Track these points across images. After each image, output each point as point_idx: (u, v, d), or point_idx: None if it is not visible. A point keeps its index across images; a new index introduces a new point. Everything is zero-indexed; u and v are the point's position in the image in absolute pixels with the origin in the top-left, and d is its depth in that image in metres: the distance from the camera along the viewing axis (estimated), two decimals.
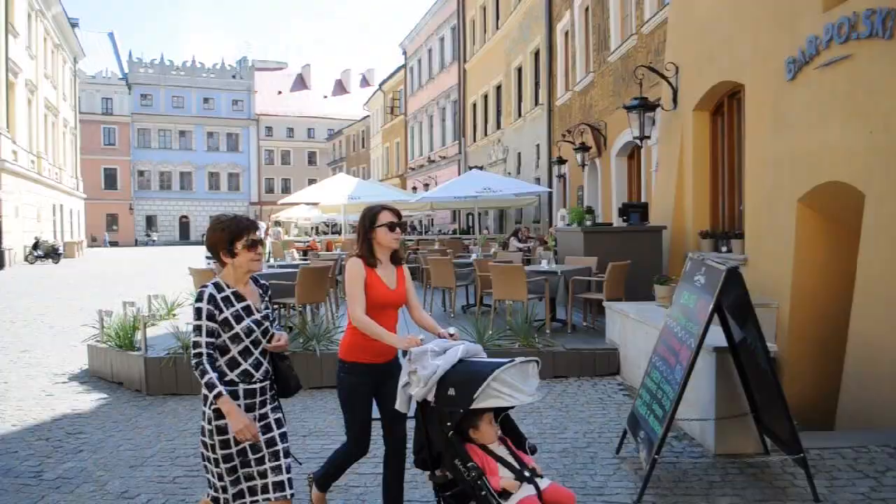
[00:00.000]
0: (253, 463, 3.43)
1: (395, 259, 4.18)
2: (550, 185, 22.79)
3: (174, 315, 11.10)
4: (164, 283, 20.46)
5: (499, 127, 29.89)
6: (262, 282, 3.66)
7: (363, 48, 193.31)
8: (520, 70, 27.05)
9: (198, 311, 3.29)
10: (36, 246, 35.88)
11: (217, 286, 3.38)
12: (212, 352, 3.30)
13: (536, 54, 24.98)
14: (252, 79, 79.04)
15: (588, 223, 11.98)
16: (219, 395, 3.21)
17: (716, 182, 10.99)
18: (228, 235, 3.38)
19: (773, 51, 8.55)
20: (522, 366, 3.45)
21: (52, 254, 35.76)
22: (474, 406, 3.34)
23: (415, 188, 39.72)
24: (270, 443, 3.50)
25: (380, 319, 3.91)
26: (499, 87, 29.96)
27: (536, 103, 24.86)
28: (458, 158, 35.82)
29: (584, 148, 18.19)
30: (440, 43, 39.78)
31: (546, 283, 9.54)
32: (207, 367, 3.23)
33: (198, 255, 30.66)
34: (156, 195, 75.31)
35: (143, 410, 7.23)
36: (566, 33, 21.90)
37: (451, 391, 3.41)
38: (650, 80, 12.97)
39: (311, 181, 65.65)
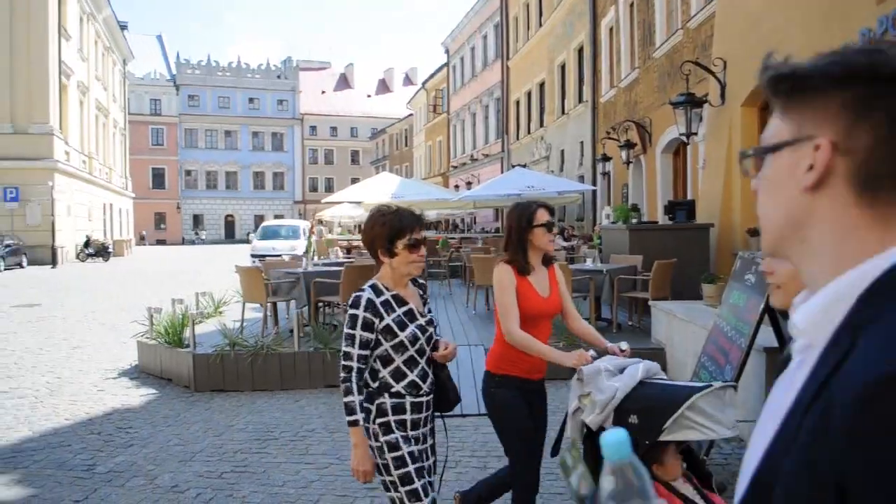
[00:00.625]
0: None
1: (547, 260, 3.74)
2: (594, 183, 22.60)
3: (221, 312, 11.27)
4: (210, 281, 20.78)
5: (542, 124, 29.72)
6: (421, 280, 3.32)
7: (406, 47, 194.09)
8: (563, 67, 26.86)
9: (353, 319, 2.96)
10: (87, 244, 36.69)
11: (375, 289, 3.04)
12: (363, 366, 2.98)
13: (580, 51, 24.78)
14: (296, 79, 79.80)
15: (633, 221, 11.85)
16: (354, 423, 2.91)
17: None
18: (389, 232, 3.03)
19: (825, 44, 8.25)
20: (719, 391, 2.89)
21: (103, 252, 36.54)
22: (663, 438, 2.84)
23: (457, 186, 39.73)
24: (422, 473, 3.12)
25: (533, 332, 3.50)
26: (542, 85, 29.79)
27: (580, 100, 24.66)
28: (501, 156, 35.72)
29: (628, 145, 17.99)
30: (483, 41, 39.70)
31: (591, 282, 9.46)
32: (354, 386, 2.91)
33: (243, 254, 31.07)
34: (202, 194, 76.49)
35: (191, 406, 7.34)
36: (610, 29, 21.69)
37: (633, 419, 2.89)
38: (697, 75, 12.78)
39: (354, 180, 66.08)
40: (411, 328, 3.04)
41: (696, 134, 12.25)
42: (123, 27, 53.43)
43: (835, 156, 0.83)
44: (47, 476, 5.38)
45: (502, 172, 31.20)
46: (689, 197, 14.51)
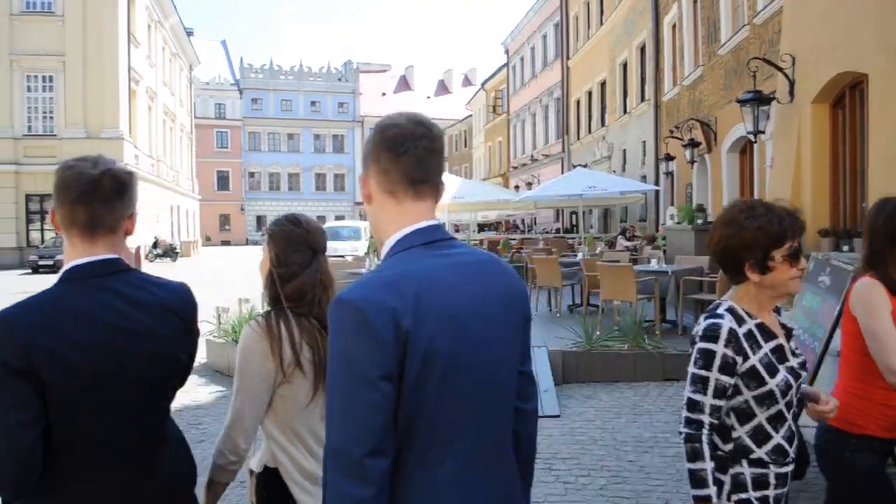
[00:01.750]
0: None
1: None
2: (657, 183, 22.29)
3: None
4: None
5: (603, 124, 29.44)
6: (778, 305, 2.47)
7: (465, 48, 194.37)
8: (625, 65, 26.57)
9: (706, 356, 2.25)
10: (155, 245, 37.73)
11: (734, 315, 2.27)
12: (714, 422, 2.23)
13: (642, 49, 24.47)
14: (357, 81, 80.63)
15: (699, 221, 11.65)
16: (705, 499, 2.17)
17: (836, 177, 10.48)
18: (765, 239, 2.21)
19: None
20: None
21: (170, 252, 37.51)
22: None
23: (517, 187, 39.62)
24: None
25: None
26: (603, 84, 29.51)
27: (642, 99, 24.36)
28: (562, 156, 35.49)
29: (693, 144, 17.69)
30: (543, 40, 39.51)
31: (656, 283, 9.34)
32: (704, 448, 2.20)
33: None
34: (265, 196, 77.87)
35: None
36: (673, 26, 21.36)
37: None
38: (764, 72, 12.48)
39: None
40: (782, 373, 2.24)
41: (763, 132, 11.97)
42: (189, 33, 54.78)
43: None
44: None
45: (563, 173, 31.02)
46: (756, 197, 14.18)
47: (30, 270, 29.22)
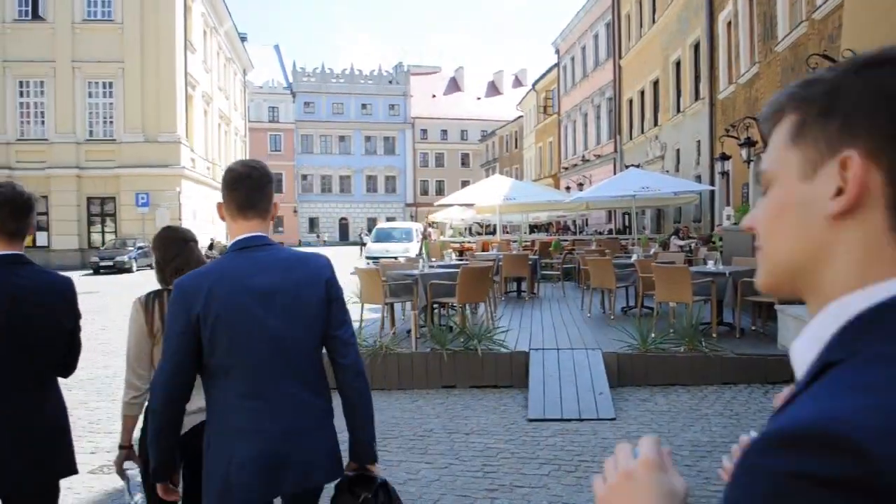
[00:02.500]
0: None
1: None
2: (712, 183, 21.93)
3: None
4: None
5: (656, 123, 29.08)
6: None
7: (515, 49, 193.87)
8: (678, 64, 26.20)
9: None
10: (211, 247, 38.33)
11: None
12: None
13: (696, 47, 24.11)
14: (407, 83, 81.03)
15: None
16: None
17: None
18: None
19: None
20: None
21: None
22: None
23: (568, 188, 39.36)
24: None
25: None
26: (656, 83, 29.16)
27: (697, 98, 23.99)
28: (614, 157, 35.16)
29: (749, 143, 17.33)
30: (594, 40, 39.20)
31: (713, 285, 9.17)
32: None
33: (355, 256, 31.75)
34: (318, 198, 78.74)
35: None
36: (728, 23, 21.01)
37: None
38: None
39: (465, 183, 66.42)
40: None
41: None
42: (243, 39, 55.69)
43: (869, 171, 0.69)
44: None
45: (615, 173, 30.73)
46: None
47: (91, 271, 29.98)
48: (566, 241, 23.54)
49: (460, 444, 6.00)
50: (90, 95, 35.49)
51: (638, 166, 27.18)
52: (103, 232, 35.66)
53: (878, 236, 0.69)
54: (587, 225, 39.05)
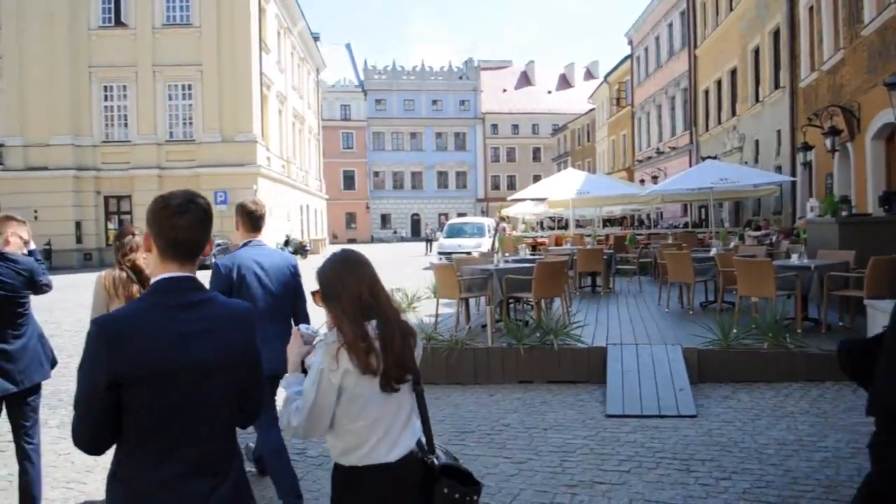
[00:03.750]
0: None
1: None
2: (793, 174, 21.24)
3: (414, 308, 11.61)
4: (400, 277, 21.46)
5: (734, 114, 28.33)
6: None
7: (587, 41, 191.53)
8: (757, 52, 25.45)
9: None
10: (286, 243, 39.12)
11: None
12: None
13: (776, 33, 23.37)
14: (478, 79, 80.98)
15: (843, 214, 10.99)
16: None
17: None
18: None
19: None
20: None
21: (301, 250, 38.83)
22: None
23: (642, 181, 38.73)
24: None
25: None
26: (733, 72, 28.39)
27: (777, 86, 23.26)
28: (689, 149, 34.42)
29: (834, 132, 16.74)
30: (668, 29, 38.43)
31: (797, 280, 8.89)
32: None
33: (422, 251, 31.85)
34: (389, 194, 79.45)
35: None
36: (810, 8, 20.28)
37: None
38: None
39: (536, 177, 66.18)
40: None
41: None
42: (316, 38, 56.53)
43: None
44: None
45: (691, 165, 30.11)
46: None
47: None
48: (641, 234, 23.16)
49: (538, 440, 5.96)
50: (170, 98, 36.54)
51: (715, 158, 26.52)
52: None
53: None
54: (661, 218, 38.33)
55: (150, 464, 2.13)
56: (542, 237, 25.11)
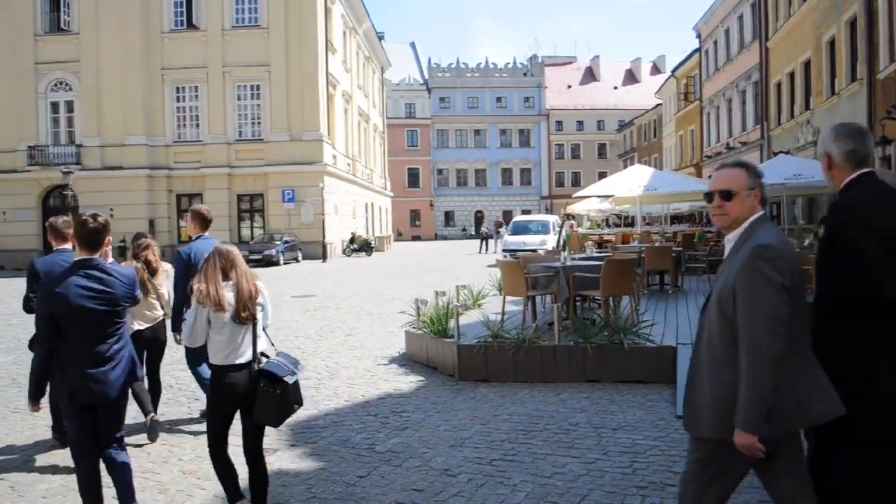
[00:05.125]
0: None
1: None
2: None
3: (479, 305, 11.60)
4: (465, 274, 21.49)
5: (808, 107, 27.50)
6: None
7: (653, 36, 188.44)
8: (832, 43, 24.66)
9: None
10: (352, 240, 39.57)
11: None
12: None
13: (852, 23, 22.61)
14: (542, 75, 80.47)
15: None
16: None
17: None
18: None
19: None
20: None
21: (366, 247, 39.20)
22: None
23: (710, 177, 37.88)
24: None
25: None
26: (807, 64, 27.56)
27: (853, 79, 22.51)
28: (760, 143, 33.56)
29: None
30: (738, 21, 37.53)
31: None
32: None
33: (474, 249, 31.78)
34: (453, 192, 79.59)
35: (456, 394, 7.60)
36: None
37: None
38: None
39: (602, 174, 65.50)
40: None
41: None
42: (381, 37, 56.98)
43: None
44: (333, 452, 5.83)
45: (762, 161, 29.35)
46: None
47: None
48: (710, 232, 22.66)
49: (607, 440, 5.88)
50: (239, 98, 37.32)
51: (787, 153, 25.79)
52: (252, 227, 37.47)
53: None
54: None
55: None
56: (608, 234, 24.79)
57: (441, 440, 6.02)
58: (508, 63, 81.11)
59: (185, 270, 6.11)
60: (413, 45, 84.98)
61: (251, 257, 30.99)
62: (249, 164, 36.57)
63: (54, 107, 37.15)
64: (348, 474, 5.28)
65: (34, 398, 4.26)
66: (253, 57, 36.49)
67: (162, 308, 6.62)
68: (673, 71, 54.38)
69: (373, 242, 40.81)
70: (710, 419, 2.94)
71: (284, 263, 31.79)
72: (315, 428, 6.56)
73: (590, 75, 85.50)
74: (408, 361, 9.37)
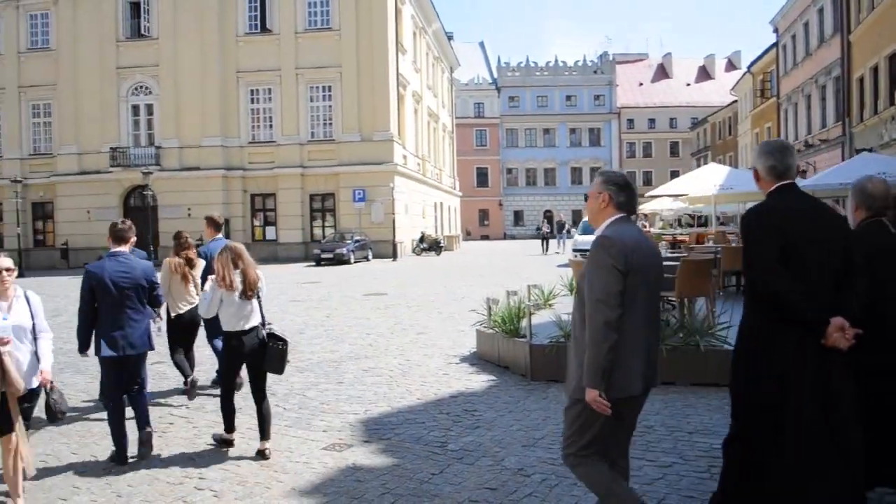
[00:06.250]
0: None
1: None
2: None
3: (550, 305, 11.51)
4: (536, 273, 21.37)
5: (892, 103, 26.50)
6: None
7: (727, 31, 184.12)
8: None
9: None
10: (421, 239, 39.79)
11: None
12: None
13: None
14: (613, 73, 79.47)
15: None
16: None
17: None
18: None
19: None
20: None
21: (435, 246, 39.36)
22: None
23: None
24: None
25: None
26: (892, 58, 26.56)
27: None
28: (842, 141, 32.45)
29: None
30: (818, 15, 36.36)
31: None
32: None
33: (537, 249, 31.53)
34: (522, 191, 79.27)
35: (528, 394, 7.57)
36: None
37: None
38: None
39: (674, 173, 64.34)
40: None
41: None
42: (450, 37, 57.16)
43: None
44: (406, 449, 5.88)
45: (843, 159, 28.41)
46: None
47: (313, 263, 32.03)
48: None
49: (683, 444, 5.78)
50: (311, 99, 37.95)
51: (871, 150, 24.86)
52: (324, 226, 38.04)
53: None
54: None
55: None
56: (682, 234, 24.33)
57: (514, 440, 6.01)
58: (578, 61, 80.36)
59: (208, 267, 7.48)
60: (482, 44, 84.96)
61: (323, 256, 31.51)
62: (321, 164, 37.15)
63: (135, 110, 38.47)
64: (422, 471, 5.32)
65: (82, 349, 5.91)
66: (325, 59, 37.05)
67: (197, 295, 7.82)
68: (749, 67, 53.06)
69: (442, 242, 40.95)
70: (573, 385, 3.55)
71: (355, 262, 32.16)
72: (389, 425, 6.62)
73: (662, 72, 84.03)
74: (479, 360, 9.37)
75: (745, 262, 3.74)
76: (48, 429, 6.65)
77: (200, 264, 8.01)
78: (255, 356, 5.86)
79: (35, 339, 5.00)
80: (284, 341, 5.91)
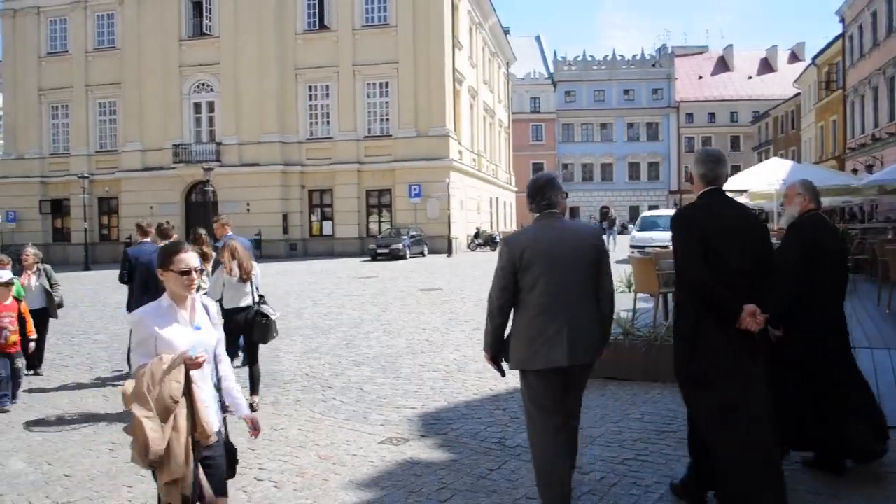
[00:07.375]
0: None
1: None
2: None
3: None
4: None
5: None
6: None
7: (790, 23, 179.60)
8: None
9: None
10: (476, 235, 39.80)
11: None
12: None
13: None
14: (671, 66, 78.22)
15: None
16: None
17: None
18: None
19: None
20: None
21: (490, 242, 39.33)
22: None
23: (855, 170, 35.78)
24: None
25: None
26: None
27: None
28: None
29: None
30: (887, 4, 35.25)
31: None
32: None
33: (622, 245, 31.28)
34: (579, 187, 78.57)
35: (586, 392, 7.48)
36: None
37: None
38: None
39: (735, 168, 62.93)
40: None
41: None
42: (506, 32, 56.92)
43: None
44: (464, 444, 5.89)
45: None
46: None
47: (369, 258, 32.30)
48: (855, 229, 21.42)
49: None
50: (368, 96, 38.24)
51: None
52: (380, 221, 38.32)
53: None
54: (876, 211, 35.23)
55: None
56: None
57: None
58: (636, 55, 79.30)
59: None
60: (538, 38, 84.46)
61: (378, 251, 31.75)
62: (378, 160, 37.41)
63: (196, 107, 39.30)
64: (479, 467, 5.33)
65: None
66: (382, 55, 37.27)
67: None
68: (814, 58, 51.65)
69: (497, 237, 40.87)
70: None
71: (411, 257, 32.32)
72: (445, 419, 6.65)
73: (722, 65, 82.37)
74: None
75: (674, 255, 4.25)
76: (107, 412, 6.85)
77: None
78: (247, 328, 7.26)
79: (216, 364, 3.56)
80: (267, 317, 7.25)
